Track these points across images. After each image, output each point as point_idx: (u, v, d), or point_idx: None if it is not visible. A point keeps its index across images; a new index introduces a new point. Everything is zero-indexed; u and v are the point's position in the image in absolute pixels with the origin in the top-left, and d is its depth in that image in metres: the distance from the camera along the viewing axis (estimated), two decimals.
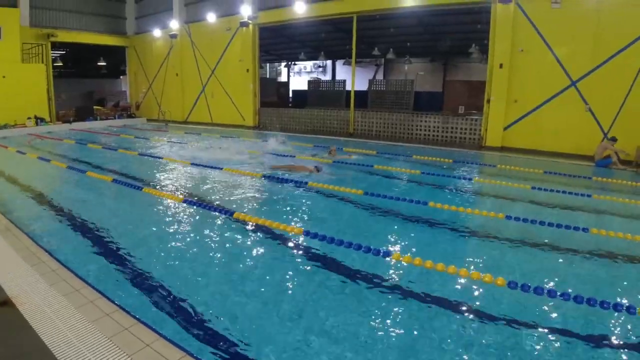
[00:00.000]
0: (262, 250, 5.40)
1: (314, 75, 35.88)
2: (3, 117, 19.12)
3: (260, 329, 3.50)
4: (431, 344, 3.32)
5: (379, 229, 6.27)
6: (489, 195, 8.56)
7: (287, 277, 4.54)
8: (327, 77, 33.97)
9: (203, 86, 23.06)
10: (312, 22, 18.89)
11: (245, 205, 7.36)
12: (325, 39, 24.29)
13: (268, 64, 36.71)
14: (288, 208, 7.21)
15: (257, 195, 8.17)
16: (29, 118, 19.90)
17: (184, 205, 7.22)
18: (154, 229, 6.11)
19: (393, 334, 3.45)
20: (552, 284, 4.29)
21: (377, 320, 3.63)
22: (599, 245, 5.43)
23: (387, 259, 4.86)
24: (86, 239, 5.60)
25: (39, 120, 20.43)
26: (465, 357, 3.17)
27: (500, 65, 13.95)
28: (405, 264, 4.74)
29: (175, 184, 8.99)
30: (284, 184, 8.70)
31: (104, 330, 3.27)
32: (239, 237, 5.76)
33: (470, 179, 9.80)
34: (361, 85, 25.85)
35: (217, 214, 6.67)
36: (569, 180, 9.78)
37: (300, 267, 4.85)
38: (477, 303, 4.02)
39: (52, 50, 23.41)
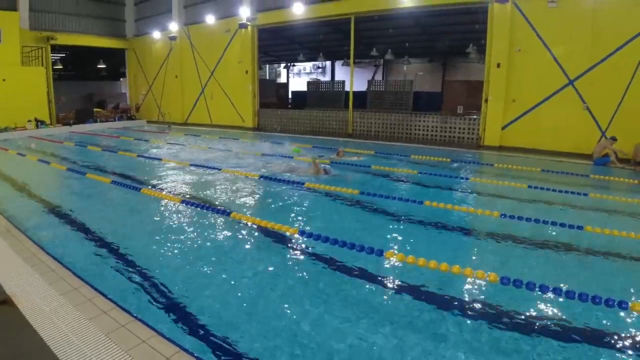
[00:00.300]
0: (260, 249, 5.45)
1: (314, 76, 35.92)
2: (3, 120, 19.19)
3: (255, 326, 3.57)
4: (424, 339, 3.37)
5: (374, 228, 6.32)
6: (485, 194, 8.61)
7: (286, 277, 4.59)
8: (327, 78, 34.02)
9: (202, 88, 23.13)
10: (311, 23, 18.96)
11: (249, 205, 7.42)
12: (324, 40, 24.34)
13: (267, 66, 36.78)
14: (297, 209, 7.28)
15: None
16: (29, 121, 19.97)
17: (183, 205, 7.28)
18: (153, 229, 6.17)
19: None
20: (542, 280, 4.33)
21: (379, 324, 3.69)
22: (595, 243, 5.49)
23: (381, 257, 4.90)
24: (85, 239, 5.68)
25: (39, 123, 20.50)
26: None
27: (498, 65, 14.00)
28: (397, 261, 4.79)
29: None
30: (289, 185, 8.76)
31: (101, 327, 3.32)
32: (237, 236, 5.82)
33: (466, 178, 9.84)
34: (360, 85, 25.92)
35: (216, 214, 6.74)
36: (566, 179, 9.82)
37: (298, 267, 4.91)
38: (472, 298, 4.08)
39: (52, 53, 23.49)
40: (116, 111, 26.85)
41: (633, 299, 3.83)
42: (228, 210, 6.72)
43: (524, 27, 13.49)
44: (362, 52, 24.72)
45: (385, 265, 4.79)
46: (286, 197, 7.87)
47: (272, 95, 26.15)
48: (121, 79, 31.77)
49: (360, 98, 22.46)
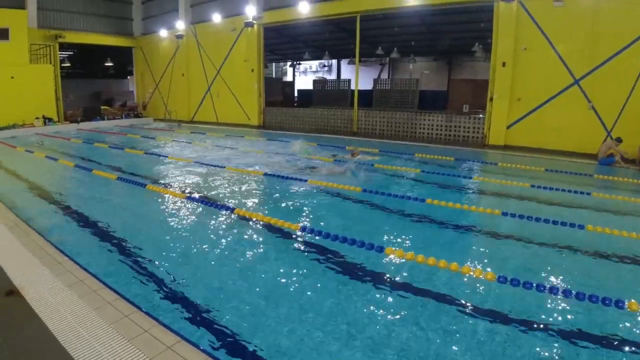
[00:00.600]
0: (264, 244, 5.53)
1: (320, 74, 35.95)
2: (12, 117, 19.42)
3: (257, 321, 3.64)
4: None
5: (377, 225, 6.38)
6: (489, 192, 8.64)
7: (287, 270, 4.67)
8: (333, 76, 34.04)
9: (209, 86, 23.27)
10: (316, 21, 19.02)
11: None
12: (330, 38, 24.39)
13: (274, 64, 36.83)
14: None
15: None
16: (37, 118, 20.19)
17: (187, 201, 7.37)
18: (158, 223, 6.27)
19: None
20: (546, 279, 4.37)
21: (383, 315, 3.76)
22: (597, 243, 5.51)
23: (381, 253, 4.96)
24: (91, 233, 5.80)
25: (47, 120, 20.71)
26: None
27: (503, 64, 13.99)
28: (400, 258, 4.85)
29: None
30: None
31: (106, 318, 3.42)
32: (242, 231, 5.91)
33: (470, 177, 9.85)
34: (366, 84, 25.92)
35: (221, 210, 6.83)
36: (570, 178, 9.81)
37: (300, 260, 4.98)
38: (470, 296, 4.13)
39: (59, 51, 23.71)
40: (123, 109, 27.06)
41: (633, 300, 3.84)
42: (231, 207, 6.81)
43: (529, 25, 13.47)
44: (367, 50, 24.76)
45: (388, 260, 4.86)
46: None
47: (278, 94, 26.21)
48: (128, 77, 31.97)
49: (366, 96, 22.51)
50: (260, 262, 4.86)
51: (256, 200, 7.84)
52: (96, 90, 29.18)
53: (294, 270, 4.59)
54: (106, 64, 29.88)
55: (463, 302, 3.96)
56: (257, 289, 4.18)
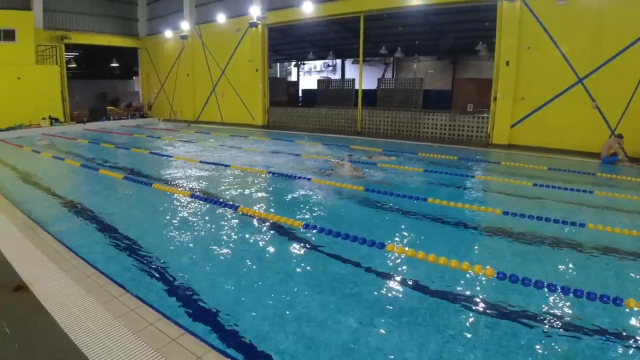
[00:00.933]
0: (265, 242, 5.61)
1: (324, 74, 36.05)
2: (18, 118, 19.59)
3: (259, 310, 3.73)
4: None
5: (377, 223, 6.44)
6: (492, 191, 8.70)
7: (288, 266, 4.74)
8: (337, 76, 34.13)
9: (213, 86, 23.39)
10: (320, 21, 19.06)
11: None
12: (334, 38, 24.43)
13: (278, 64, 36.94)
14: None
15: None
16: (43, 118, 20.35)
17: (191, 199, 7.46)
18: (163, 221, 6.36)
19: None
20: (544, 278, 4.41)
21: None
22: (600, 241, 5.55)
23: (382, 250, 5.03)
24: (97, 230, 5.93)
25: (53, 121, 20.88)
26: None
27: (507, 63, 14.00)
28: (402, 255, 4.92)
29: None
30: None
31: (112, 312, 3.50)
32: (244, 228, 6.00)
33: (473, 177, 9.87)
34: (371, 84, 25.98)
35: (225, 208, 6.92)
36: (573, 177, 9.81)
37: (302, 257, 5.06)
38: (468, 290, 4.20)
39: (65, 52, 23.91)
40: (129, 109, 27.24)
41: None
42: (236, 204, 6.89)
43: (533, 24, 13.47)
44: (371, 50, 24.81)
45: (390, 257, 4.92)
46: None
47: (282, 94, 26.33)
48: (134, 78, 32.21)
49: (370, 96, 22.56)
50: (268, 260, 4.95)
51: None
52: (102, 91, 29.42)
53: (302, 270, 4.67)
54: (112, 65, 30.08)
55: (461, 296, 4.04)
56: (259, 283, 4.28)
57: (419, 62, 29.12)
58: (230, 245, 5.43)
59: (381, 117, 17.94)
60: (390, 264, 4.81)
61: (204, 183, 9.02)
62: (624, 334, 3.51)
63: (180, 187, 8.53)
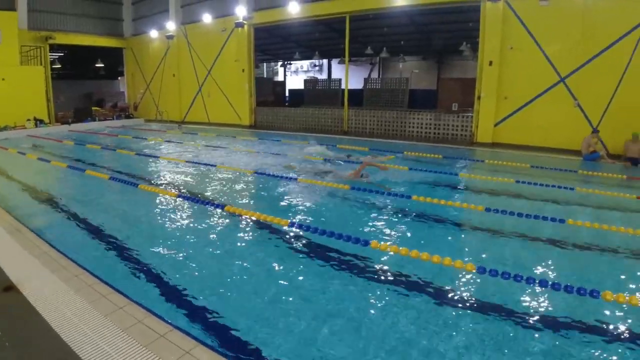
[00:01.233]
0: (251, 239, 5.70)
1: (311, 74, 36.14)
2: (3, 119, 19.36)
3: (245, 307, 3.82)
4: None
5: (363, 221, 6.56)
6: (475, 189, 8.85)
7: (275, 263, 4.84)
8: (324, 76, 34.23)
9: (200, 86, 23.35)
10: (306, 22, 19.16)
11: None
12: (320, 38, 24.55)
13: (265, 64, 36.94)
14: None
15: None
16: (28, 120, 20.15)
17: (178, 199, 7.52)
18: (150, 221, 6.42)
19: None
20: (522, 272, 4.55)
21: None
22: (579, 236, 5.73)
23: (367, 247, 5.14)
24: (84, 231, 5.98)
25: (38, 122, 20.67)
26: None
27: (490, 63, 14.22)
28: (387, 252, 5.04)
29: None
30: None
31: (101, 310, 3.56)
32: (231, 227, 6.08)
33: (456, 174, 10.01)
34: (357, 83, 26.16)
35: (210, 207, 6.99)
36: (555, 174, 10.03)
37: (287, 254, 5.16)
38: (453, 284, 4.33)
39: (50, 53, 23.67)
40: (114, 110, 27.01)
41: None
42: (222, 204, 6.96)
43: (515, 25, 13.70)
44: (357, 50, 24.95)
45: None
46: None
47: (269, 94, 26.34)
48: (119, 78, 31.93)
49: (357, 96, 22.72)
50: (252, 256, 5.04)
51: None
52: (87, 92, 29.16)
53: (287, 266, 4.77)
54: (97, 65, 29.79)
55: (446, 290, 4.17)
56: (245, 277, 4.38)
57: (404, 62, 29.34)
58: (217, 243, 5.50)
59: (367, 117, 18.08)
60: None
61: (190, 183, 9.05)
62: (602, 325, 3.65)
63: (166, 187, 8.56)
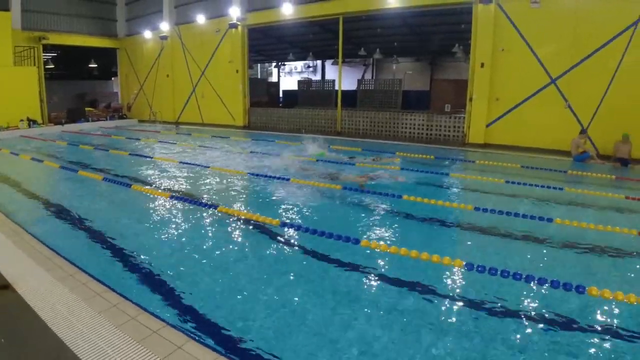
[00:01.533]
0: (244, 239, 5.77)
1: (305, 75, 36.17)
2: None
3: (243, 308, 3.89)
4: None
5: (354, 220, 6.64)
6: (465, 188, 8.96)
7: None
8: (318, 77, 34.29)
9: (193, 87, 23.35)
10: (300, 23, 19.25)
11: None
12: (314, 39, 24.61)
13: (259, 65, 36.95)
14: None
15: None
16: (21, 120, 20.09)
17: (171, 200, 7.57)
18: (143, 221, 6.48)
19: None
20: (510, 268, 4.64)
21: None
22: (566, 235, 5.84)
23: (357, 245, 5.22)
24: (78, 230, 6.05)
25: (31, 123, 20.62)
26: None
27: (482, 65, 14.35)
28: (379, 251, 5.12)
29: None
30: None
31: (95, 307, 3.64)
32: (223, 227, 6.14)
33: (447, 174, 10.12)
34: (351, 84, 26.24)
35: (203, 207, 7.05)
36: (545, 175, 10.16)
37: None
38: (441, 282, 4.42)
39: (43, 53, 23.60)
40: (108, 110, 26.93)
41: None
42: (215, 204, 7.03)
43: (507, 27, 13.84)
44: (351, 51, 25.03)
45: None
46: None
47: (263, 95, 26.38)
48: (113, 79, 31.85)
49: (350, 97, 22.83)
50: (243, 254, 5.11)
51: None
52: (80, 92, 29.06)
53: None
54: (90, 66, 29.71)
55: (435, 288, 4.28)
56: (230, 273, 4.46)
57: (398, 63, 29.47)
58: (209, 242, 5.59)
59: (360, 118, 18.19)
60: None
61: (183, 183, 9.11)
62: (585, 317, 3.78)
63: (160, 187, 8.62)
